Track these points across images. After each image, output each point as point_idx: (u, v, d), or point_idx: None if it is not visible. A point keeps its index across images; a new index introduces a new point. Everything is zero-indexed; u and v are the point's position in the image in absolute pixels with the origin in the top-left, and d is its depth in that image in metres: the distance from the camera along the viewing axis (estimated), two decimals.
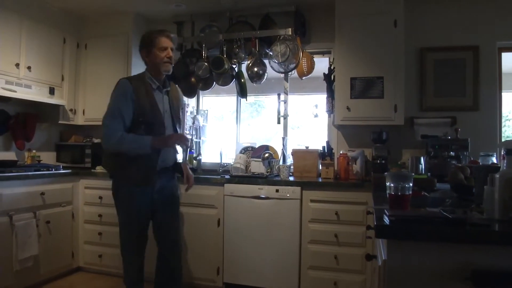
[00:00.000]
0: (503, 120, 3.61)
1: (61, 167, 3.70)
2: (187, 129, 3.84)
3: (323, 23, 3.74)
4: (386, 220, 1.35)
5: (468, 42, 3.44)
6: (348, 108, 3.34)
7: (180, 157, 2.79)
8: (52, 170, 3.50)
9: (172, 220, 2.62)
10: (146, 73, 2.54)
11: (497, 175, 1.40)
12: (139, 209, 2.46)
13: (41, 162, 3.80)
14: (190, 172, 2.76)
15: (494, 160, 2.80)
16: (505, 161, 1.51)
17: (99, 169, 3.74)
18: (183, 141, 2.52)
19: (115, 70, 3.90)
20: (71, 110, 4.04)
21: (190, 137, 2.60)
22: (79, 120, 4.13)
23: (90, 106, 4.04)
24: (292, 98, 3.96)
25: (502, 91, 3.48)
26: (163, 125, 2.51)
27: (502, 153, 1.58)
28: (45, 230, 3.32)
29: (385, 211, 1.45)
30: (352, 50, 3.36)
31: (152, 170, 2.44)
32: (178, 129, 2.65)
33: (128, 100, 2.40)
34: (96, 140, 4.06)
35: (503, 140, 3.57)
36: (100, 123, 2.47)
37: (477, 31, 3.43)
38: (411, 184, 1.49)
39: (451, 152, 3.10)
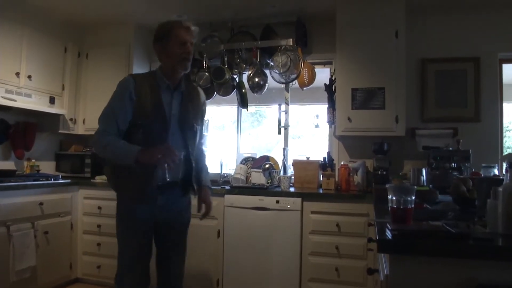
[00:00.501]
0: (504, 131, 3.60)
1: (60, 176, 3.67)
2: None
3: (324, 33, 3.75)
4: (389, 234, 1.33)
5: (469, 53, 3.45)
6: (349, 119, 3.33)
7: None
8: (51, 180, 3.48)
9: (174, 248, 2.28)
10: (158, 70, 2.20)
11: (500, 189, 1.38)
12: (138, 227, 2.15)
13: (40, 171, 3.78)
14: (210, 198, 2.35)
15: (496, 171, 2.78)
16: (508, 174, 1.49)
17: (98, 179, 3.72)
18: (168, 156, 1.96)
19: (116, 79, 3.71)
20: (71, 119, 4.04)
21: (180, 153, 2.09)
22: (79, 130, 4.12)
23: (91, 116, 4.02)
24: (293, 108, 3.96)
25: (503, 102, 3.48)
26: (166, 131, 2.12)
27: (505, 166, 1.56)
28: (43, 240, 3.28)
29: (387, 225, 1.43)
30: (353, 61, 3.36)
31: (148, 185, 2.07)
32: (187, 139, 2.21)
33: (126, 100, 2.10)
34: None
35: (504, 151, 3.56)
36: None
37: (478, 42, 3.44)
38: (413, 197, 1.48)
39: (453, 164, 3.09)
